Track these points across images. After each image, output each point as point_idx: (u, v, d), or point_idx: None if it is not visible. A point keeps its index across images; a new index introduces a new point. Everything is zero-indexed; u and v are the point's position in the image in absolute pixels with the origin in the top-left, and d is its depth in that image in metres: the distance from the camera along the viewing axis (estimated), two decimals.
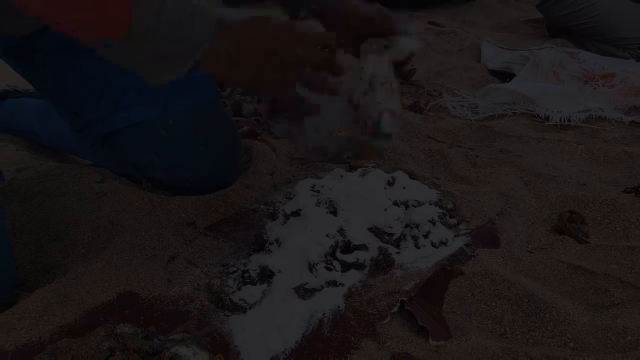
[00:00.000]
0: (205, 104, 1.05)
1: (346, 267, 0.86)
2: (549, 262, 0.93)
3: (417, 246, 0.93)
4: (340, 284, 0.83)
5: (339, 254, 0.86)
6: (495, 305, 0.82)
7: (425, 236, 0.94)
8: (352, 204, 0.93)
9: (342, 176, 1.02)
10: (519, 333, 0.78)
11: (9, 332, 0.72)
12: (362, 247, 0.88)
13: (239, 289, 0.82)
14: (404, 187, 1.02)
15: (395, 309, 0.78)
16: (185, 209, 1.01)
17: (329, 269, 0.84)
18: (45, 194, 1.02)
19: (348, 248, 0.88)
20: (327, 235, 0.86)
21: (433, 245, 0.93)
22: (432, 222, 0.96)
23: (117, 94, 1.00)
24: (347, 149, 0.83)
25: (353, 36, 0.89)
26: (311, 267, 0.82)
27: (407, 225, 0.95)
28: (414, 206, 0.99)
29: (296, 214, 0.91)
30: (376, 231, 0.92)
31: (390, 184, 1.01)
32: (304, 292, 0.80)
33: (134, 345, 0.61)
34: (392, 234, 0.92)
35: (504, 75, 1.88)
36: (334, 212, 0.91)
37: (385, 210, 0.95)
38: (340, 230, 0.87)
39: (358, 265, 0.86)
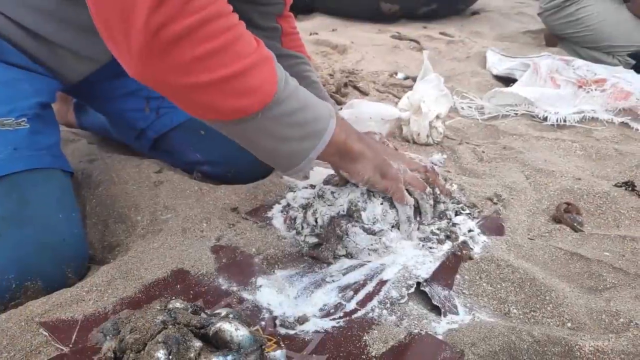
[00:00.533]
0: None
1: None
2: (547, 248, 0.88)
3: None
4: None
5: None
6: (501, 287, 0.78)
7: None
8: None
9: None
10: (521, 313, 0.74)
11: (79, 303, 0.70)
12: None
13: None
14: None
15: (412, 289, 0.75)
16: (229, 196, 0.99)
17: None
18: (110, 182, 1.00)
19: None
20: None
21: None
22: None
23: (157, 102, 1.05)
24: None
25: None
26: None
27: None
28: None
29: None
30: None
31: None
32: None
33: (184, 320, 0.58)
34: None
35: (507, 80, 1.82)
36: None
37: None
38: None
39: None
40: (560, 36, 2.30)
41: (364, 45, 2.21)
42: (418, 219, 0.86)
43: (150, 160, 1.09)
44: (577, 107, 1.49)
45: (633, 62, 2.07)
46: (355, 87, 1.63)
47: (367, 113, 1.24)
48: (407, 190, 0.83)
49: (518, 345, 0.65)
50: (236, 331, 0.57)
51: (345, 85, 1.62)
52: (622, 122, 1.45)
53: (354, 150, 0.77)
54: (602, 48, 2.13)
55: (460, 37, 2.49)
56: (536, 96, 1.50)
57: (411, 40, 2.34)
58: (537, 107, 1.49)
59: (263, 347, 0.59)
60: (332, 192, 0.85)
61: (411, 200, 0.84)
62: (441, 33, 2.53)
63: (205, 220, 0.91)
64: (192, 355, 0.55)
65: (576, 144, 1.31)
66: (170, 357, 0.54)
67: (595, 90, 1.60)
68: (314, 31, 2.49)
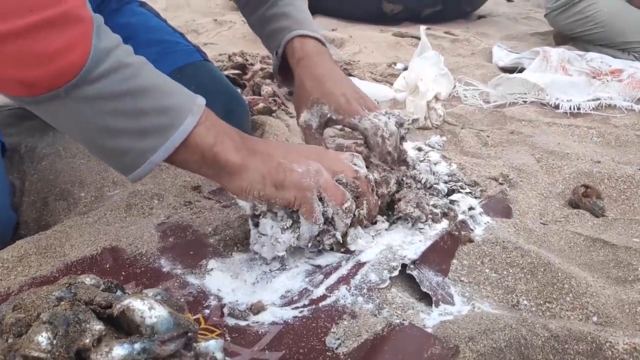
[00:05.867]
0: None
1: None
2: (564, 234, 0.73)
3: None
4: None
5: None
6: (507, 274, 0.63)
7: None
8: None
9: None
10: (534, 304, 0.59)
11: None
12: None
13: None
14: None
15: (396, 272, 0.60)
16: (192, 174, 0.85)
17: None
18: (56, 155, 0.87)
19: None
20: None
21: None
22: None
23: None
24: None
25: None
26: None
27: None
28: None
29: None
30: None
31: None
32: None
33: (86, 296, 0.44)
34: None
35: (514, 72, 1.67)
36: None
37: None
38: None
39: None
40: (571, 36, 2.17)
41: (364, 41, 2.09)
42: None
43: None
44: (592, 95, 1.34)
45: None
46: (350, 75, 1.49)
47: None
48: (320, 199, 0.60)
49: (530, 340, 0.50)
50: (149, 311, 0.42)
51: None
52: None
53: (230, 162, 0.57)
54: (616, 45, 1.99)
55: (466, 36, 2.36)
56: (546, 82, 1.36)
57: (413, 37, 2.21)
58: (548, 94, 1.34)
59: (190, 334, 0.44)
60: None
61: (321, 220, 0.60)
62: (446, 32, 2.40)
63: (157, 196, 0.77)
64: (87, 340, 0.41)
65: (593, 131, 1.16)
66: (55, 342, 0.40)
67: (612, 80, 1.45)
68: None
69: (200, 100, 0.57)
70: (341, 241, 0.63)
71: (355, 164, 0.65)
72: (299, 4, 0.82)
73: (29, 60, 0.47)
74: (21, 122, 1.03)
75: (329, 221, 0.62)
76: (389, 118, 0.72)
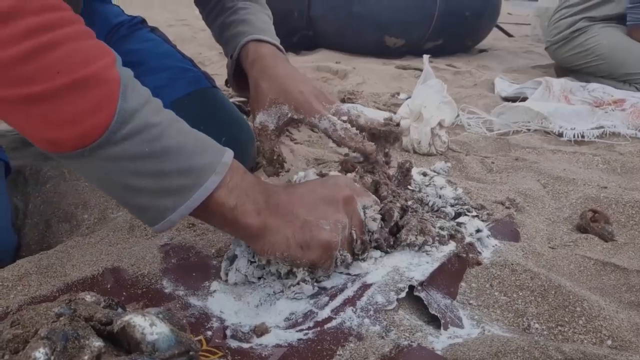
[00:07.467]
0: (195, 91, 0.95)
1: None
2: (573, 258, 0.72)
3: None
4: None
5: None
6: (517, 297, 0.61)
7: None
8: None
9: None
10: (545, 328, 0.57)
11: None
12: None
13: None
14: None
15: (403, 294, 0.58)
16: None
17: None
18: (61, 177, 0.87)
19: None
20: None
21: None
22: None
23: None
24: None
25: None
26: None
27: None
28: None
29: None
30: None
31: None
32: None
33: (86, 313, 0.43)
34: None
35: (517, 102, 1.68)
36: None
37: None
38: None
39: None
40: (572, 69, 2.19)
41: (367, 72, 2.11)
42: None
43: None
44: (596, 123, 1.34)
45: None
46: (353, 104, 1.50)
47: None
48: None
49: None
50: (151, 327, 0.41)
51: (343, 101, 1.49)
52: None
53: (250, 225, 0.56)
54: (617, 76, 2.01)
55: (468, 69, 2.39)
56: (550, 111, 1.36)
57: (416, 69, 2.24)
58: (552, 123, 1.34)
59: (192, 353, 0.43)
60: None
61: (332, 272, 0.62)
62: (448, 65, 2.43)
63: None
64: (86, 357, 0.39)
65: (598, 158, 1.15)
66: (53, 358, 0.38)
67: (614, 110, 1.45)
68: (316, 64, 2.41)
69: (227, 157, 0.55)
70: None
71: (367, 221, 0.64)
72: (260, 15, 0.83)
73: (54, 122, 0.47)
74: (27, 147, 1.04)
75: None
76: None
